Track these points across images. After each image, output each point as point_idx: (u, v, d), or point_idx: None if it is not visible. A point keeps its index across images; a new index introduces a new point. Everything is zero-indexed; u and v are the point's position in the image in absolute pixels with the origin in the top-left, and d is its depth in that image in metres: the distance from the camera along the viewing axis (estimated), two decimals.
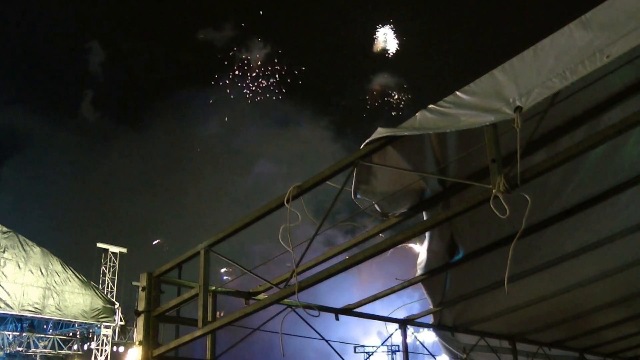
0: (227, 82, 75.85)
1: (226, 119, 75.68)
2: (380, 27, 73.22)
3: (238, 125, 75.56)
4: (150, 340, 7.42)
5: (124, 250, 38.23)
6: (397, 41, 71.95)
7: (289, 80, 78.54)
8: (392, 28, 72.52)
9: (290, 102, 77.67)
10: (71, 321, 33.46)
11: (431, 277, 8.85)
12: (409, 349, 11.02)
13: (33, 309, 30.66)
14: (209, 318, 7.39)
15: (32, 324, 33.47)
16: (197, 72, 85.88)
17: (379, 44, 69.36)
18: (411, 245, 30.77)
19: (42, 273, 31.35)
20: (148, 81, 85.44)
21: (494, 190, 4.81)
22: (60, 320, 33.23)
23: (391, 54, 71.36)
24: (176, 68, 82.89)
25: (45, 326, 35.01)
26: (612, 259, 9.14)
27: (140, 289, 7.65)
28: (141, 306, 7.53)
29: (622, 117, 4.56)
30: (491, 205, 4.83)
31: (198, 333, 7.16)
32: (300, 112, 74.73)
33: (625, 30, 4.13)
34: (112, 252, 37.65)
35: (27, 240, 31.44)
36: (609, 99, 5.92)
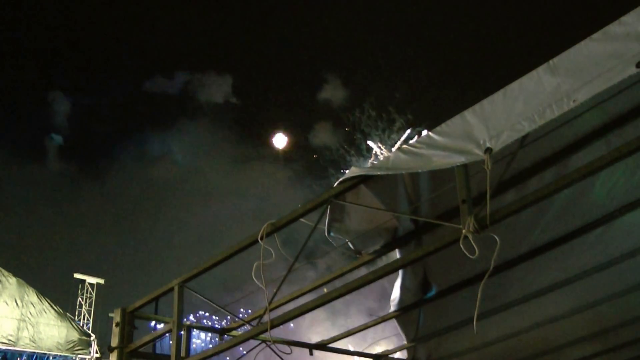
0: (185, 123, 76.41)
1: (185, 159, 76.22)
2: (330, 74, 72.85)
3: (198, 165, 76.08)
4: None
5: (102, 281, 37.87)
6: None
7: (245, 119, 79.35)
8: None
9: (248, 141, 78.29)
10: (45, 353, 32.87)
11: (405, 313, 8.87)
12: None
13: (7, 341, 30.06)
14: (183, 354, 7.36)
15: (5, 357, 32.83)
16: (155, 117, 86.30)
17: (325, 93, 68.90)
18: None
19: (17, 304, 30.81)
20: (108, 129, 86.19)
21: (464, 231, 4.88)
22: (35, 352, 32.67)
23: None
24: (133, 115, 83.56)
25: (18, 359, 34.41)
26: (582, 296, 9.21)
27: (114, 324, 7.64)
28: (114, 342, 7.51)
29: (589, 160, 4.67)
30: (461, 246, 4.89)
31: None
32: (259, 149, 74.95)
33: (590, 76, 4.27)
34: (90, 283, 37.27)
35: (3, 271, 30.88)
36: (576, 142, 6.05)
